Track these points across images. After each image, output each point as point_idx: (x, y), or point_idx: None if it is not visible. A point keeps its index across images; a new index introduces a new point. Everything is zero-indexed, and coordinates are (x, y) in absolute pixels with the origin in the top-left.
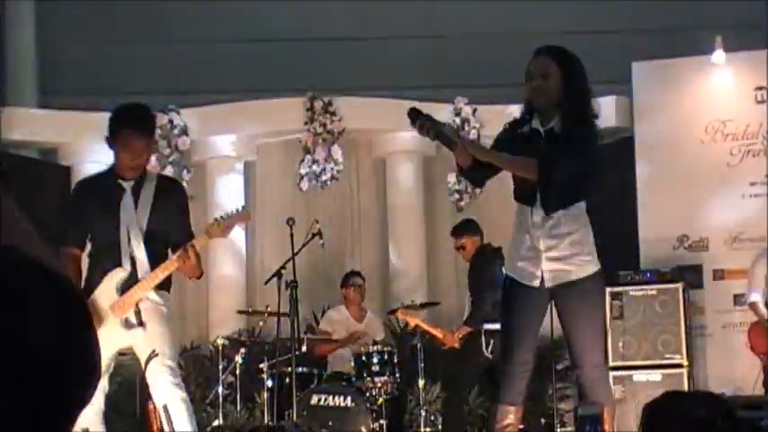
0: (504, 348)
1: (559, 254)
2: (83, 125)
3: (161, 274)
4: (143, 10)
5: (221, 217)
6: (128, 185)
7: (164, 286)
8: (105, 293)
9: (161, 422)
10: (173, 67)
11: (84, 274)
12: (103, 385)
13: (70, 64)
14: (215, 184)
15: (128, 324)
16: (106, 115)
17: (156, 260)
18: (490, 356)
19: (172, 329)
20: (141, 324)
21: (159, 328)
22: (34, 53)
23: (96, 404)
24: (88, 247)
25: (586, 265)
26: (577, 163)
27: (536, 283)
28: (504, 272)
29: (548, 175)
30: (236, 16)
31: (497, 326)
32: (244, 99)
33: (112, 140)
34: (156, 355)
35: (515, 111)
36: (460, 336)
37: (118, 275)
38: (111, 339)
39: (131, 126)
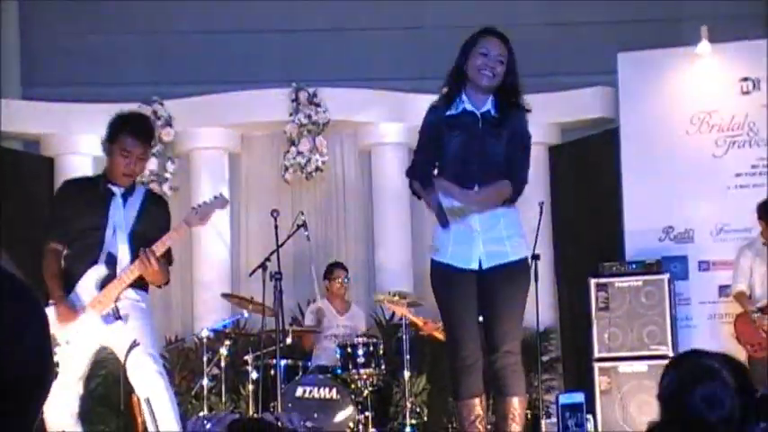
0: (454, 342)
1: (496, 234)
2: (66, 116)
3: (131, 274)
4: (127, 1)
5: (198, 205)
6: (118, 190)
7: (142, 285)
8: (85, 290)
9: (143, 414)
10: (157, 57)
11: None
12: (78, 390)
13: (54, 55)
14: (199, 176)
15: (107, 319)
16: (89, 106)
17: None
18: None
19: (152, 323)
20: (119, 318)
21: (138, 321)
22: (18, 44)
23: (71, 406)
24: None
25: (520, 248)
26: (529, 158)
27: (474, 265)
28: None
29: (521, 186)
30: (220, 7)
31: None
32: (228, 90)
33: (110, 145)
34: (138, 344)
35: None
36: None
37: (97, 272)
38: (91, 336)
39: (132, 133)
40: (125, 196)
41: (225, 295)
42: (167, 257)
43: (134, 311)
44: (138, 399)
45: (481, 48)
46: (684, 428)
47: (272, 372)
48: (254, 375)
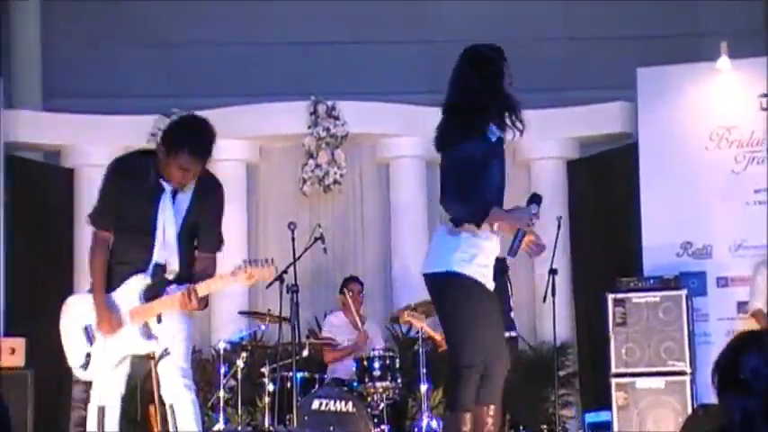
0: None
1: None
2: (86, 128)
3: (172, 304)
4: (146, 12)
5: (249, 262)
6: (168, 187)
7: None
8: (126, 297)
9: (164, 422)
10: (176, 69)
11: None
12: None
13: (74, 66)
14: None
15: (145, 334)
16: (109, 118)
17: (184, 263)
18: None
19: (188, 335)
20: (152, 337)
21: (174, 332)
22: (39, 55)
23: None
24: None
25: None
26: None
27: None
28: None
29: None
30: (239, 19)
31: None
32: (247, 102)
33: (166, 155)
34: (168, 353)
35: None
36: None
37: (142, 282)
38: (124, 344)
39: (192, 152)
40: (174, 192)
41: (242, 313)
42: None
43: (174, 314)
44: (156, 410)
45: (508, 71)
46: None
47: (289, 384)
48: (270, 388)
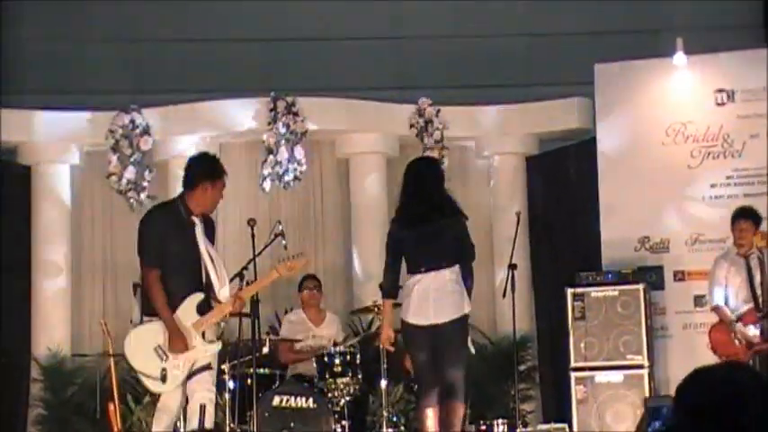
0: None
1: None
2: (44, 124)
3: (227, 309)
4: (105, 8)
5: (289, 258)
6: (197, 220)
7: None
8: (186, 313)
9: (119, 422)
10: (135, 66)
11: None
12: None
13: (32, 62)
14: (177, 185)
15: (207, 340)
16: (68, 114)
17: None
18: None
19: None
20: (215, 340)
21: (215, 349)
22: None
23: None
24: None
25: None
26: None
27: None
28: None
29: None
30: (199, 16)
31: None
32: (207, 99)
33: (211, 181)
34: (211, 368)
35: (479, 112)
36: None
37: (197, 298)
38: (191, 356)
39: (216, 177)
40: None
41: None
42: None
43: (213, 335)
44: (115, 407)
45: None
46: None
47: (249, 381)
48: (230, 385)
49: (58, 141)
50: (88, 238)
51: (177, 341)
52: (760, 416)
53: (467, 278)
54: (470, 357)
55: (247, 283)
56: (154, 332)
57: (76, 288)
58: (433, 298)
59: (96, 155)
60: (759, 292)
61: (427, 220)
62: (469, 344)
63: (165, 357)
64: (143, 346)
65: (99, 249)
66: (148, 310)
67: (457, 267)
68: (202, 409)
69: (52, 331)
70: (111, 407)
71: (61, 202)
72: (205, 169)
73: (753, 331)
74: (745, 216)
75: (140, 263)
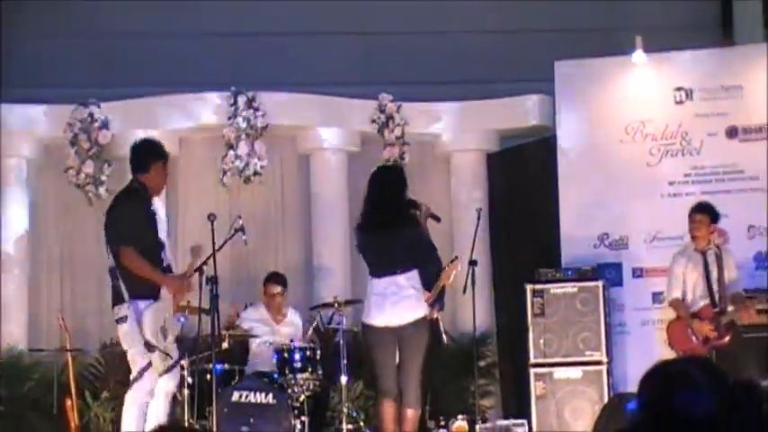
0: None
1: None
2: (0, 117)
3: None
4: (63, 1)
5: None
6: (158, 203)
7: None
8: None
9: (77, 418)
10: (95, 59)
11: None
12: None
13: None
14: None
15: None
16: (27, 107)
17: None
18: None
19: None
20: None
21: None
22: None
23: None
24: None
25: None
26: None
27: None
28: None
29: None
30: (159, 9)
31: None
32: (167, 93)
33: (160, 162)
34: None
35: (440, 108)
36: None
37: None
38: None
39: (166, 157)
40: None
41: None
42: None
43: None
44: (72, 403)
45: None
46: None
47: (208, 376)
48: (189, 380)
49: (16, 134)
50: (45, 232)
51: (180, 287)
52: (715, 409)
53: (427, 280)
54: (444, 350)
55: None
56: (161, 311)
57: (34, 282)
58: (389, 302)
59: (54, 148)
60: (715, 288)
61: (385, 227)
62: (443, 337)
63: (166, 335)
64: (155, 326)
65: (56, 243)
66: (137, 292)
67: (412, 272)
68: (174, 399)
69: (9, 326)
70: (69, 402)
71: (19, 195)
72: (154, 150)
73: (708, 326)
74: (700, 210)
75: (114, 247)
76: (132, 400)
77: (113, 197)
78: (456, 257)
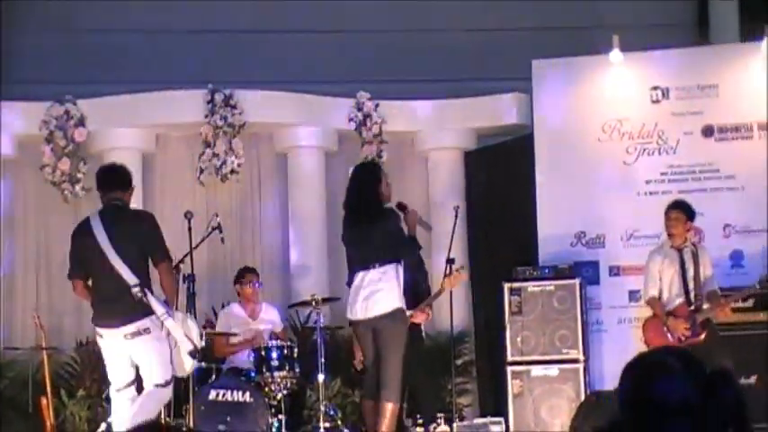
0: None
1: None
2: None
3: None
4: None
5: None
6: None
7: None
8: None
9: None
10: (71, 56)
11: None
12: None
13: None
14: None
15: None
16: (3, 104)
17: None
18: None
19: None
20: None
21: None
22: None
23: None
24: None
25: None
26: None
27: None
28: None
29: None
30: (137, 6)
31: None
32: (144, 90)
33: (132, 185)
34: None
35: (418, 106)
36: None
37: None
38: None
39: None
40: None
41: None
42: None
43: None
44: (48, 401)
45: None
46: (650, 419)
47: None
48: None
49: None
50: (21, 230)
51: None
52: (692, 396)
53: (408, 273)
54: (421, 349)
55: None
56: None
57: (9, 281)
58: (361, 295)
59: (30, 146)
60: (691, 285)
61: (360, 224)
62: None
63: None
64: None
65: (32, 241)
66: (174, 303)
67: (386, 267)
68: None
69: None
70: (44, 401)
71: None
72: (128, 170)
73: (684, 325)
74: (677, 207)
75: (163, 257)
76: (161, 398)
77: (133, 212)
78: (462, 267)
